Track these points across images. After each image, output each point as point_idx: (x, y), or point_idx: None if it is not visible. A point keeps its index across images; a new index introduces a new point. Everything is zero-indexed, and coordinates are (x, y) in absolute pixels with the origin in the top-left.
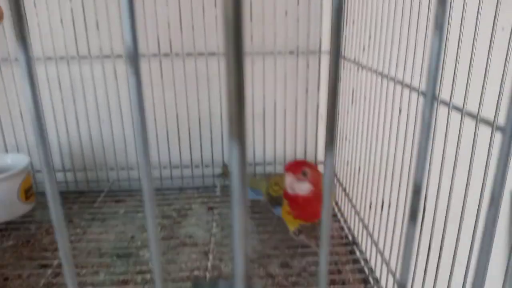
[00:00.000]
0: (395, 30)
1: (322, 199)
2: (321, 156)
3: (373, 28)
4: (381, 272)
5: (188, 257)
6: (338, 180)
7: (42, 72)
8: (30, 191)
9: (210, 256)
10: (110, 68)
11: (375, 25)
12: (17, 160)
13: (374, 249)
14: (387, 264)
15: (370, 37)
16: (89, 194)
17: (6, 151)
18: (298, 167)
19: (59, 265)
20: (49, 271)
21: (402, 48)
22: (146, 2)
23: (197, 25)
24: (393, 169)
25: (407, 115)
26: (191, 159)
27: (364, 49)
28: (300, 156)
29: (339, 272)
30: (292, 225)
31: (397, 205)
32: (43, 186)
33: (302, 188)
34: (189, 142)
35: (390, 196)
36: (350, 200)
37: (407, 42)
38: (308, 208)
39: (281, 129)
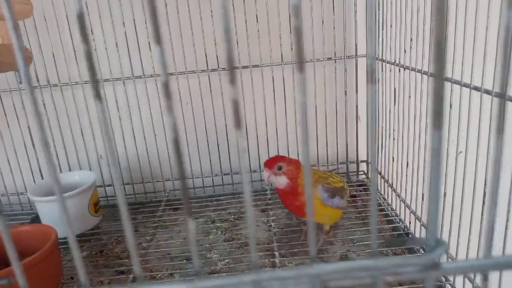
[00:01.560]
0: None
1: (300, 191)
2: (362, 155)
3: (414, 30)
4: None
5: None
6: (383, 177)
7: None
8: (98, 205)
9: (276, 253)
10: (152, 86)
11: (416, 26)
12: (84, 176)
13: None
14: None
15: (411, 40)
16: (149, 205)
17: (69, 169)
18: (274, 161)
19: None
20: (131, 276)
21: (449, 46)
22: (183, 20)
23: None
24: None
25: (459, 110)
26: (239, 166)
27: (405, 51)
28: (341, 157)
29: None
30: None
31: (453, 195)
32: (106, 200)
33: (279, 181)
34: (237, 149)
35: (445, 187)
36: (398, 195)
37: (455, 39)
38: (287, 201)
39: (322, 132)
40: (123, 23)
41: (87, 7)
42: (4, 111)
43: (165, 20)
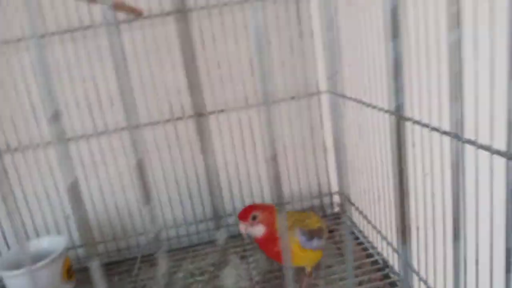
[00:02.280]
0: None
1: (278, 238)
2: (335, 187)
3: (371, 69)
4: None
5: None
6: (357, 209)
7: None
8: (71, 270)
9: None
10: (127, 140)
11: (373, 67)
12: (53, 242)
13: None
14: (425, 282)
15: (369, 79)
16: (123, 263)
17: (37, 234)
18: (247, 212)
19: None
20: None
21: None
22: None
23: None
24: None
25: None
26: (214, 210)
27: (365, 91)
28: (314, 191)
29: None
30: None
31: (425, 227)
32: (78, 261)
33: (256, 231)
34: (209, 194)
35: (417, 220)
36: (374, 227)
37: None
38: (267, 248)
39: (293, 169)
40: (83, 79)
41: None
42: None
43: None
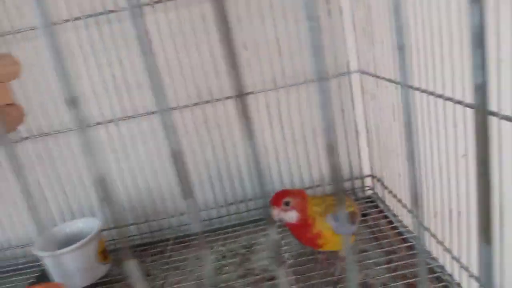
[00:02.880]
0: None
1: (311, 224)
2: (366, 170)
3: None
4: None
5: None
6: (391, 192)
7: (94, 136)
8: (106, 251)
9: (294, 287)
10: (158, 123)
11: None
12: (88, 223)
13: (448, 255)
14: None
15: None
16: (156, 244)
17: (72, 216)
18: (279, 198)
19: None
20: None
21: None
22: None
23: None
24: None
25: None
26: (244, 193)
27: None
28: (345, 173)
29: None
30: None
31: (468, 212)
32: (113, 243)
33: (290, 217)
34: (239, 177)
35: (458, 204)
36: (410, 211)
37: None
38: (299, 234)
39: (324, 151)
40: (110, 63)
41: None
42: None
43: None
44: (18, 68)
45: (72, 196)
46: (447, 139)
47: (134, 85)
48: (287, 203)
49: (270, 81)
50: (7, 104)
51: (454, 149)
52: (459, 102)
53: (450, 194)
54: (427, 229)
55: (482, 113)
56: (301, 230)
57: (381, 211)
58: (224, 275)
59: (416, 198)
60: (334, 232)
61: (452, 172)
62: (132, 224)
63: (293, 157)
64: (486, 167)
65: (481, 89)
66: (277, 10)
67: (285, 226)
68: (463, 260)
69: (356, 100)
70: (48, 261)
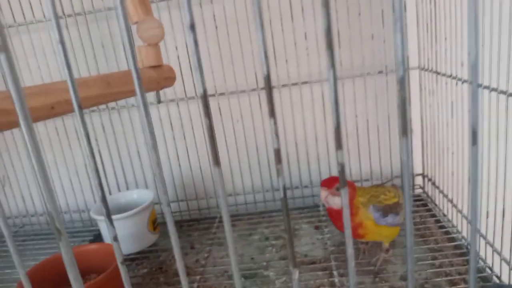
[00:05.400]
0: (499, 43)
1: (354, 213)
2: (417, 169)
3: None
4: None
5: (311, 275)
6: (442, 192)
7: (155, 112)
8: (156, 222)
9: (335, 273)
10: (214, 105)
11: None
12: (142, 195)
13: (497, 257)
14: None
15: (469, 53)
16: (203, 221)
17: (127, 187)
18: (332, 182)
19: None
20: None
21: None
22: (243, 41)
23: (290, 57)
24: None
25: None
26: (290, 181)
27: (462, 64)
28: (396, 171)
29: (465, 281)
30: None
31: None
32: (161, 217)
33: (336, 202)
34: (288, 165)
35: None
36: (459, 211)
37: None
38: (340, 222)
39: (375, 146)
40: (176, 47)
41: None
42: (66, 133)
43: (215, 41)
44: (162, 31)
45: (128, 169)
46: (507, 136)
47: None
48: (338, 188)
49: (321, 72)
50: (159, 65)
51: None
52: None
53: (505, 193)
54: (482, 235)
55: None
56: (340, 217)
57: (429, 210)
58: (266, 255)
59: (475, 200)
60: (375, 223)
61: (509, 171)
62: (182, 201)
63: (344, 149)
64: None
65: None
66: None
67: (328, 212)
68: None
69: (414, 97)
70: (103, 225)
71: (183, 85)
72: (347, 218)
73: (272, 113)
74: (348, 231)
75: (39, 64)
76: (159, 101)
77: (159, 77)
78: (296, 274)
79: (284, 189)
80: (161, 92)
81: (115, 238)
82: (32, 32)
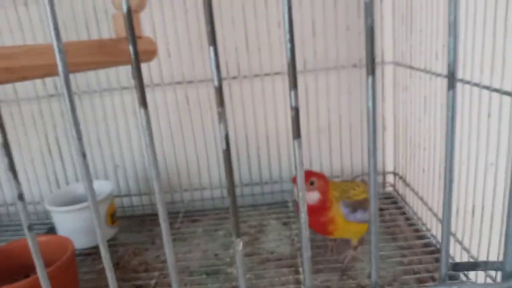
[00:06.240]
0: (475, 35)
1: (329, 207)
2: (389, 166)
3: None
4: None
5: (276, 273)
6: (413, 189)
7: (118, 99)
8: (115, 216)
9: (301, 270)
10: (182, 94)
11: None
12: (101, 186)
13: (465, 254)
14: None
15: (443, 45)
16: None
17: None
18: (306, 177)
19: (156, 285)
20: None
21: (487, 52)
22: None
23: (263, 47)
24: (474, 172)
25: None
26: (260, 176)
27: (437, 57)
28: (367, 167)
29: (433, 279)
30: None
31: (493, 208)
32: (123, 210)
33: (311, 197)
34: (258, 160)
35: (483, 201)
36: (430, 209)
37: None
38: (315, 218)
39: (347, 141)
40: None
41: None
42: (22, 120)
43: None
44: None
45: (88, 158)
46: (480, 129)
47: (165, 54)
48: (312, 183)
49: (300, 64)
50: (137, 37)
51: (485, 140)
52: (496, 90)
53: (475, 190)
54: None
55: None
56: (316, 214)
57: (399, 208)
58: (231, 251)
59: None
60: (345, 219)
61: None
62: (145, 194)
63: (315, 144)
64: None
65: None
66: None
67: (298, 208)
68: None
69: (387, 93)
70: (57, 217)
71: (149, 71)
72: (304, 210)
73: (221, 103)
74: (304, 226)
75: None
76: (134, 77)
77: None
78: (240, 246)
79: (227, 137)
80: (129, 79)
81: (20, 197)
82: None
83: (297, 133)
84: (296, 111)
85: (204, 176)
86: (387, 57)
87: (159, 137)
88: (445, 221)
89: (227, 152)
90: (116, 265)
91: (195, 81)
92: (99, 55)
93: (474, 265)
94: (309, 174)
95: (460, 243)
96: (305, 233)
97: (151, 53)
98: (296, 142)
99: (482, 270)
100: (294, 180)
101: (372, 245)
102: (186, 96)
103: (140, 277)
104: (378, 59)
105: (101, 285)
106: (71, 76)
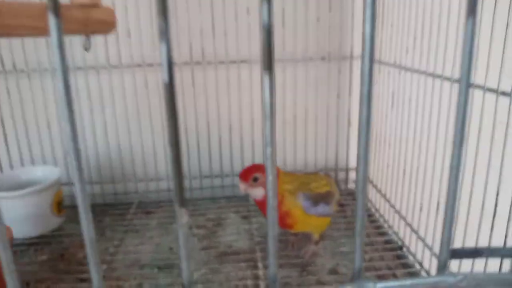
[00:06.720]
0: (444, 29)
1: (280, 201)
2: (353, 163)
3: (418, 29)
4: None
5: (233, 267)
6: (375, 186)
7: (71, 81)
8: (62, 204)
9: (260, 265)
10: (141, 77)
11: (421, 25)
12: (47, 172)
13: (427, 252)
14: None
15: (415, 38)
16: (118, 207)
17: (33, 163)
18: (248, 173)
19: (102, 278)
20: (88, 285)
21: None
22: (179, 10)
23: (230, 33)
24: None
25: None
26: (221, 168)
27: (407, 51)
28: (331, 163)
29: (395, 276)
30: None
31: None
32: (71, 199)
33: (256, 193)
34: (219, 150)
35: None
36: (392, 206)
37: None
38: (265, 212)
39: (312, 135)
40: None
41: None
42: None
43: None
44: None
45: (35, 142)
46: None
47: (124, 34)
48: (255, 179)
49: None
50: (93, 5)
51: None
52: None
53: (440, 188)
54: (414, 230)
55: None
56: (264, 207)
57: None
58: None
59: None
60: (304, 212)
61: (446, 164)
62: (96, 183)
63: (280, 137)
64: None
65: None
66: None
67: (255, 202)
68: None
69: (355, 89)
70: (1, 203)
71: (106, 51)
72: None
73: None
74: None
75: None
76: (86, 48)
77: (88, 19)
78: (184, 218)
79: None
80: (85, 59)
81: None
82: None
83: (268, 64)
84: (268, 32)
85: (160, 165)
86: (356, 51)
87: (114, 122)
88: (450, 194)
89: (170, 86)
90: (61, 257)
91: (155, 64)
92: (40, 19)
93: (475, 252)
94: (252, 169)
95: (423, 240)
96: (273, 215)
97: (109, 24)
98: (266, 74)
99: (485, 257)
100: (239, 177)
101: (356, 242)
102: (146, 80)
103: (85, 270)
104: (347, 53)
105: (42, 277)
106: (19, 51)
